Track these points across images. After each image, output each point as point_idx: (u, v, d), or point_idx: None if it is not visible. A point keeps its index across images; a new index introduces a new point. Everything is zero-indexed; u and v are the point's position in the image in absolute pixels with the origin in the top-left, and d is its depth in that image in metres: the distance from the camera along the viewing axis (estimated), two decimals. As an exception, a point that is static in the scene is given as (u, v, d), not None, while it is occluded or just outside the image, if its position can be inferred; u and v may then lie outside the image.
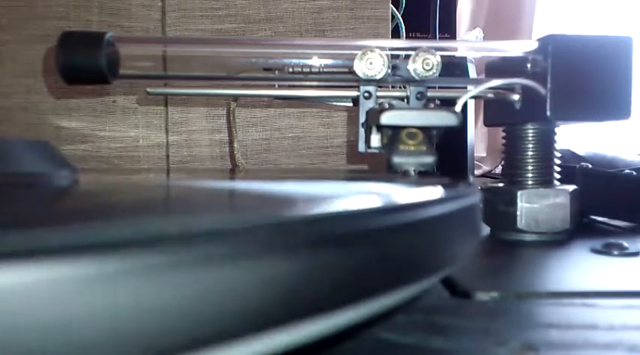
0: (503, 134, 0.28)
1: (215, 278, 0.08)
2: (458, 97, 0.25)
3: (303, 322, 0.09)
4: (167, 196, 0.16)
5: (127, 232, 0.07)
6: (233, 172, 0.32)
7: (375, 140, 0.24)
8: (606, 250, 0.22)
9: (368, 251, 0.10)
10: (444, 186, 0.14)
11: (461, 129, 0.42)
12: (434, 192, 0.13)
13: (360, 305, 0.10)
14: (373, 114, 0.24)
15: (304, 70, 0.27)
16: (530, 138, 0.27)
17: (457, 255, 0.13)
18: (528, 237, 0.26)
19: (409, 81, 0.26)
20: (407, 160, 0.21)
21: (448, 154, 0.36)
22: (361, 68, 0.26)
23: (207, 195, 0.15)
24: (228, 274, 0.08)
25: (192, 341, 0.07)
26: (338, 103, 0.29)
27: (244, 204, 0.13)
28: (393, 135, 0.22)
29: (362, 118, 0.26)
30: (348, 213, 0.10)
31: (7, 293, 0.06)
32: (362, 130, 0.26)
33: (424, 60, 0.26)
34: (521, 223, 0.26)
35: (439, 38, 0.54)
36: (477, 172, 0.67)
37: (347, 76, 0.27)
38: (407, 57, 0.26)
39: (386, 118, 0.22)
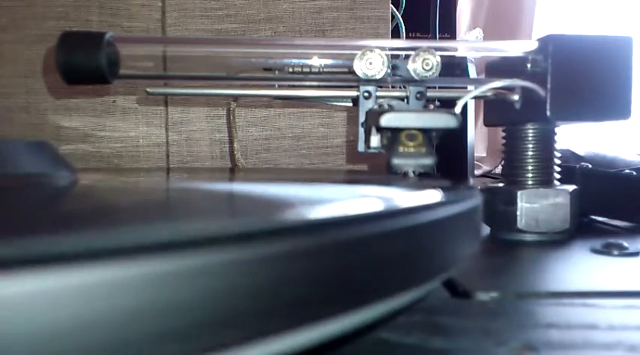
0: (503, 134, 0.28)
1: (218, 283, 0.08)
2: (458, 97, 0.25)
3: (304, 326, 0.09)
4: (168, 198, 0.16)
5: (128, 236, 0.07)
6: (234, 172, 0.32)
7: (375, 140, 0.24)
8: (606, 250, 0.22)
9: (368, 256, 0.10)
10: (445, 189, 0.14)
11: (461, 130, 0.42)
12: (434, 195, 0.13)
13: (361, 310, 0.10)
14: (373, 116, 0.24)
15: (304, 70, 0.27)
16: (530, 138, 0.27)
17: (457, 259, 0.13)
18: (528, 237, 0.26)
19: (409, 81, 0.26)
20: (407, 162, 0.21)
21: (448, 155, 0.36)
22: (361, 68, 0.26)
23: (205, 197, 0.15)
24: (232, 278, 0.08)
25: (194, 347, 0.07)
26: (338, 103, 0.29)
27: (243, 208, 0.13)
28: (393, 136, 0.22)
29: (361, 118, 0.26)
30: (348, 217, 0.10)
31: (7, 299, 0.06)
32: (361, 130, 0.26)
33: (424, 60, 0.26)
34: (521, 223, 0.26)
35: (439, 38, 0.54)
36: (477, 172, 0.67)
37: (347, 76, 0.27)
38: (407, 57, 0.26)
39: (385, 120, 0.22)
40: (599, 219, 0.31)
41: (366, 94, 0.26)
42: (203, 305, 0.07)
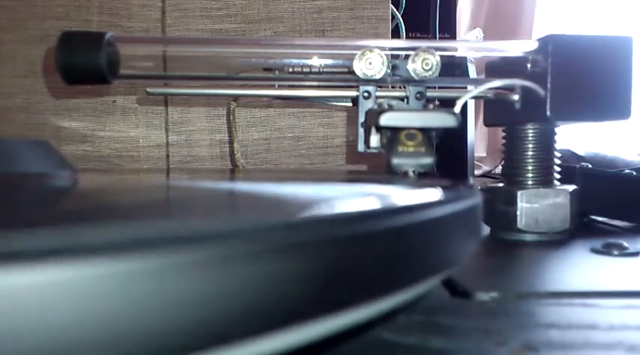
0: (503, 134, 0.28)
1: (216, 280, 0.08)
2: (458, 97, 0.25)
3: (304, 324, 0.09)
4: (167, 197, 0.16)
5: (126, 234, 0.07)
6: (234, 172, 0.32)
7: (375, 140, 0.24)
8: (606, 250, 0.22)
9: (368, 253, 0.10)
10: (445, 187, 0.14)
11: (461, 130, 0.42)
12: (434, 194, 0.13)
13: (361, 307, 0.10)
14: (372, 115, 0.24)
15: (304, 70, 0.27)
16: (530, 138, 0.27)
17: (457, 258, 0.13)
18: (528, 237, 0.26)
19: (408, 81, 0.26)
20: (406, 161, 0.21)
21: (448, 154, 0.36)
22: (360, 68, 0.26)
23: (206, 196, 0.15)
24: (229, 276, 0.08)
25: (190, 344, 0.07)
26: (337, 103, 0.29)
27: (244, 206, 0.13)
28: (392, 136, 0.22)
29: (361, 118, 0.26)
30: (346, 215, 0.10)
31: (7, 295, 0.06)
32: (361, 130, 0.26)
33: (423, 60, 0.26)
34: (521, 223, 0.26)
35: (439, 38, 0.54)
36: (476, 172, 0.67)
37: (346, 76, 0.27)
38: (407, 57, 0.26)
39: (385, 120, 0.22)
40: (599, 219, 0.31)
41: (365, 94, 0.26)
42: (197, 302, 0.07)
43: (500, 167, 0.51)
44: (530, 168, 0.27)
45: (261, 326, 0.08)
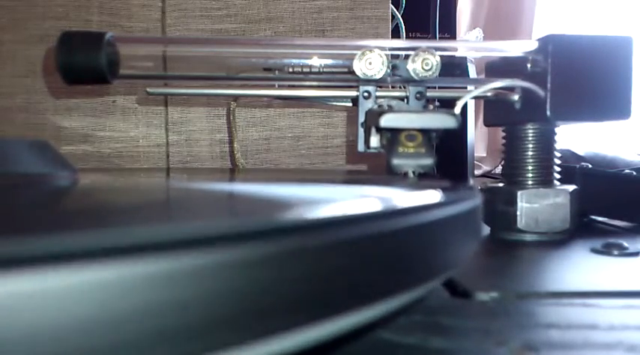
0: (503, 134, 0.28)
1: (216, 283, 0.08)
2: (458, 97, 0.25)
3: (306, 326, 0.09)
4: (168, 198, 0.16)
5: (127, 236, 0.07)
6: (234, 172, 0.32)
7: (375, 141, 0.24)
8: (606, 250, 0.22)
9: (367, 256, 0.10)
10: (445, 189, 0.14)
11: (461, 130, 0.42)
12: (434, 196, 0.13)
13: (361, 310, 0.10)
14: (372, 116, 0.24)
15: (304, 70, 0.27)
16: (530, 138, 0.27)
17: (457, 259, 0.13)
18: (528, 237, 0.26)
19: (408, 81, 0.26)
20: (406, 162, 0.21)
21: (448, 155, 0.36)
22: (360, 68, 0.26)
23: (207, 198, 0.15)
24: (230, 278, 0.08)
25: (192, 348, 0.07)
26: (338, 103, 0.29)
27: (242, 208, 0.13)
28: (392, 136, 0.22)
29: (361, 118, 0.26)
30: (347, 217, 0.10)
31: (7, 299, 0.06)
32: (361, 130, 0.26)
33: (423, 60, 0.26)
34: (521, 223, 0.26)
35: (439, 38, 0.54)
36: (476, 172, 0.67)
37: (346, 76, 0.27)
38: (407, 57, 0.26)
39: (385, 121, 0.22)
40: (599, 219, 0.31)
41: (365, 94, 0.26)
42: (201, 305, 0.07)
43: (500, 167, 0.51)
44: (530, 168, 0.27)
45: (260, 330, 0.08)
